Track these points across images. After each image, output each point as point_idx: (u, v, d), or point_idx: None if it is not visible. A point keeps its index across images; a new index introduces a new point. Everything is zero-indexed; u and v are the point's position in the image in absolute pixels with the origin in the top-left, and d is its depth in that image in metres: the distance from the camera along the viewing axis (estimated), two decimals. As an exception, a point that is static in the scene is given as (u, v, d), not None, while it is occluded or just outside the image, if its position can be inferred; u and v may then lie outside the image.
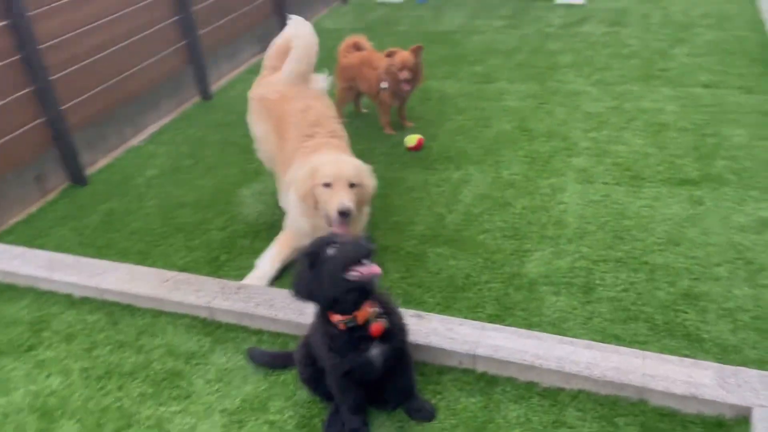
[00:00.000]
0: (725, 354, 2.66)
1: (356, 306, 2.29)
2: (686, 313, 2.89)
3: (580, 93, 5.05)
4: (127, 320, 3.15)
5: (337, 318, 2.30)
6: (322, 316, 2.37)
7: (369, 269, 2.22)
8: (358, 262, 2.22)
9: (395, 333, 2.40)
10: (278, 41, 3.98)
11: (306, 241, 3.05)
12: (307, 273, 2.27)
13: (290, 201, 3.37)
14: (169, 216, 3.97)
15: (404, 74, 4.40)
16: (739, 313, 2.86)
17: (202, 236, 3.74)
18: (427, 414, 2.53)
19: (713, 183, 3.78)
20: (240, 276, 3.36)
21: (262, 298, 3.06)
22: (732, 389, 2.37)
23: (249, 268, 3.43)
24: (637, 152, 4.17)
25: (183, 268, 3.46)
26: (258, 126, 3.92)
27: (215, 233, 3.76)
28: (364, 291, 2.28)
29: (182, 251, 3.62)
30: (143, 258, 3.59)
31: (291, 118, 3.55)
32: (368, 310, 2.31)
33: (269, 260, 3.36)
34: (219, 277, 3.34)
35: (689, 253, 3.25)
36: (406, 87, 4.48)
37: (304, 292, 2.32)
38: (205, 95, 5.63)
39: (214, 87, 5.83)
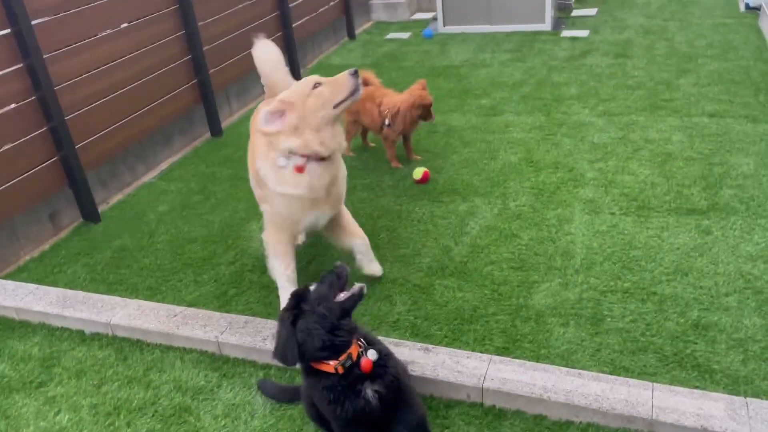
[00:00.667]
0: (736, 385, 2.62)
1: (347, 344, 2.28)
2: (696, 343, 2.86)
3: (585, 124, 5.09)
4: (137, 356, 3.17)
5: (332, 363, 2.26)
6: (312, 374, 2.32)
7: (354, 289, 2.32)
8: (341, 288, 2.32)
9: (386, 365, 2.35)
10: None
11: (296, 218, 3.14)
12: (291, 331, 2.25)
13: (268, 177, 3.10)
14: (179, 251, 4.02)
15: (427, 99, 4.51)
16: (749, 344, 2.83)
17: (210, 271, 3.78)
18: None
19: (721, 212, 3.77)
20: (249, 311, 3.37)
21: (270, 332, 3.07)
22: (743, 421, 2.34)
23: (257, 302, 3.45)
24: (643, 182, 4.18)
25: (192, 303, 3.48)
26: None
27: (224, 268, 3.79)
28: (352, 327, 2.34)
29: (191, 286, 3.66)
30: (153, 293, 3.62)
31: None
32: (357, 345, 2.32)
33: (280, 270, 3.29)
34: (227, 311, 3.37)
35: (698, 283, 3.23)
36: (428, 119, 4.60)
37: (292, 354, 2.26)
38: (216, 132, 5.73)
39: (225, 123, 5.94)
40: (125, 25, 4.88)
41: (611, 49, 6.69)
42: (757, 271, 3.27)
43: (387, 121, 4.61)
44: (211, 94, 5.66)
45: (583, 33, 7.30)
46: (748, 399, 2.45)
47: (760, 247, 3.44)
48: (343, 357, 2.26)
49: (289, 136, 2.96)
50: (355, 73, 3.01)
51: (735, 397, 2.46)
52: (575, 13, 8.15)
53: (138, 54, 4.95)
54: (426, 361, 2.79)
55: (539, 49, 6.98)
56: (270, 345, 3.00)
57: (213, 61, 5.73)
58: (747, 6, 7.41)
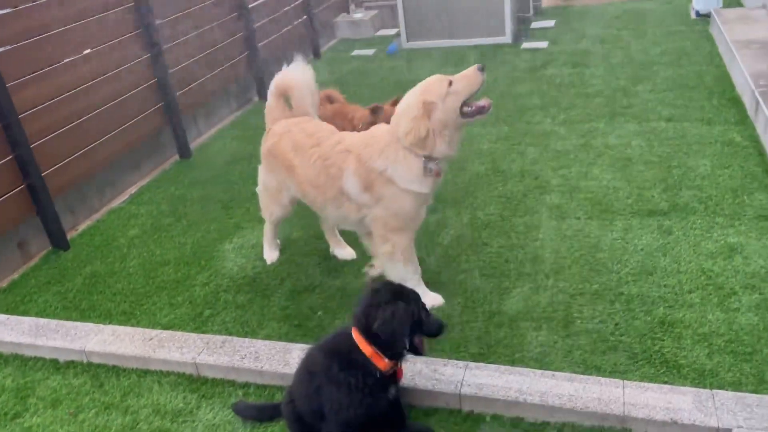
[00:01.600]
0: (702, 378, 2.72)
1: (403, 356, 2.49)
2: (663, 340, 2.96)
3: (549, 133, 5.22)
4: (113, 381, 3.14)
5: (387, 362, 2.41)
6: (356, 366, 2.40)
7: (425, 345, 2.51)
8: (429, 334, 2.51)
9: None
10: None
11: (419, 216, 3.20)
12: (409, 319, 2.36)
13: (397, 175, 3.04)
14: (152, 275, 4.00)
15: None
16: (713, 338, 2.94)
17: (185, 293, 3.77)
18: None
19: (681, 212, 3.91)
20: (225, 331, 3.38)
21: (248, 350, 3.08)
22: (710, 412, 2.43)
23: (233, 322, 3.46)
24: (606, 186, 4.30)
25: (167, 326, 3.47)
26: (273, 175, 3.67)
27: (198, 289, 3.79)
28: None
29: (166, 309, 3.64)
30: (127, 318, 3.60)
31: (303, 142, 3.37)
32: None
33: (410, 274, 3.32)
34: (203, 332, 3.37)
35: (662, 281, 3.35)
36: None
37: (390, 333, 2.35)
38: (185, 154, 5.73)
39: (193, 145, 5.94)
40: (88, 51, 4.87)
41: (570, 59, 6.88)
42: (717, 267, 3.40)
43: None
44: (179, 117, 5.66)
45: (543, 44, 7.50)
46: (714, 391, 2.55)
47: (719, 244, 3.58)
48: (395, 363, 2.46)
49: (435, 139, 3.00)
50: (483, 69, 3.02)
51: (702, 390, 2.56)
52: (534, 25, 8.36)
53: (103, 79, 4.93)
54: (404, 371, 2.82)
55: (501, 61, 7.14)
56: (248, 363, 3.01)
57: (179, 83, 5.73)
58: (697, 13, 7.69)
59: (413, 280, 3.32)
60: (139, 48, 5.30)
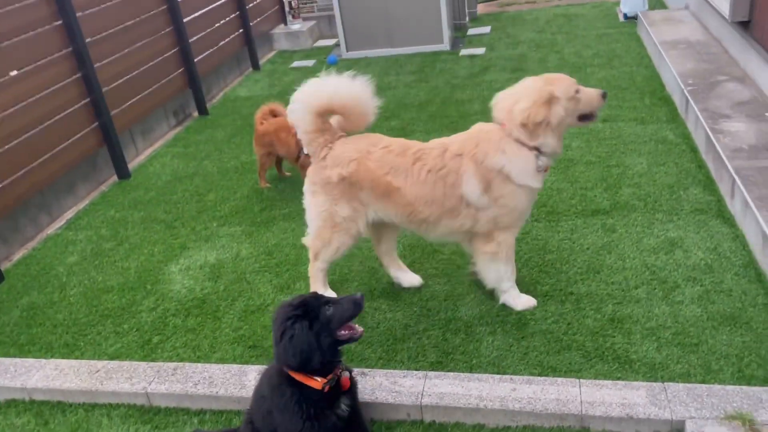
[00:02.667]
0: (654, 372, 2.80)
1: (335, 367, 2.40)
2: (614, 336, 3.04)
3: (491, 137, 5.30)
4: (59, 418, 2.99)
5: (319, 381, 2.34)
6: (294, 386, 2.35)
7: (357, 329, 2.39)
8: (349, 320, 2.37)
9: (353, 381, 2.51)
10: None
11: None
12: (307, 334, 2.28)
13: (514, 170, 2.97)
14: (95, 303, 3.84)
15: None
16: (661, 331, 3.03)
17: (131, 320, 3.63)
18: None
19: (623, 210, 4.04)
20: (176, 357, 3.27)
21: (201, 376, 2.98)
22: (663, 405, 2.50)
23: (184, 347, 3.35)
24: (550, 188, 4.40)
25: (114, 356, 3.33)
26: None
27: (145, 315, 3.66)
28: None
29: (112, 338, 3.50)
30: (70, 351, 3.44)
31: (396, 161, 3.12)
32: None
33: (508, 274, 3.26)
34: (153, 360, 3.25)
35: (609, 279, 3.44)
36: None
37: (299, 357, 2.29)
38: (123, 174, 5.54)
39: (132, 165, 5.75)
40: (15, 72, 4.65)
41: (507, 65, 7.03)
42: (659, 262, 3.51)
43: (305, 150, 4.61)
44: (115, 136, 5.47)
45: (480, 50, 7.64)
46: (666, 384, 2.62)
47: (660, 239, 3.70)
48: (330, 377, 2.36)
49: (546, 132, 2.97)
50: (605, 96, 3.08)
51: (654, 384, 2.63)
52: (471, 32, 8.51)
53: (33, 101, 4.72)
54: (363, 385, 2.80)
55: (441, 69, 7.23)
56: (202, 389, 2.92)
57: (114, 102, 5.55)
58: (625, 16, 8.00)
59: (508, 282, 3.29)
60: (69, 67, 5.11)
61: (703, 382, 2.70)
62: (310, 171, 3.33)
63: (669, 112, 5.28)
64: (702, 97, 4.85)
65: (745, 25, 5.27)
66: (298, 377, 2.35)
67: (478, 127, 3.19)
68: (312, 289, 3.45)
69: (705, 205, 3.95)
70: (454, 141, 3.15)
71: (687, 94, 4.93)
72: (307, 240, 3.42)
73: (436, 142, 3.20)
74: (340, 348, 2.41)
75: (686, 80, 5.18)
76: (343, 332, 2.37)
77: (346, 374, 2.46)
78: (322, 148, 3.23)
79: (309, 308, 2.33)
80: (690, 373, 2.77)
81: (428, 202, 3.08)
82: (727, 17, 5.41)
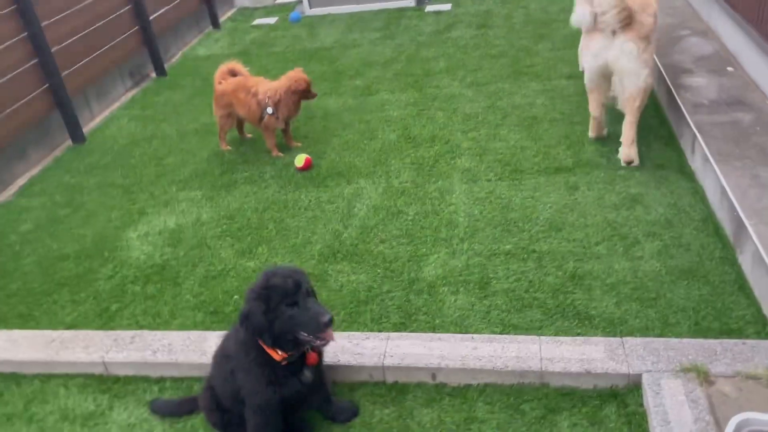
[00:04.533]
0: (613, 327, 2.84)
1: (299, 350, 2.35)
2: (574, 293, 3.06)
3: (456, 96, 5.24)
4: (13, 390, 2.92)
5: (280, 354, 2.30)
6: (259, 349, 2.31)
7: (326, 339, 2.29)
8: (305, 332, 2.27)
9: (320, 353, 2.48)
10: None
11: None
12: (260, 316, 2.23)
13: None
14: (50, 271, 3.73)
15: (301, 86, 4.49)
16: (620, 287, 3.06)
17: (88, 288, 3.54)
18: (351, 413, 2.60)
19: (585, 167, 4.03)
20: (135, 324, 3.20)
21: (160, 344, 2.93)
22: (620, 359, 2.54)
23: (143, 314, 3.28)
24: (514, 147, 4.37)
25: (71, 325, 3.26)
26: None
27: (103, 283, 3.57)
28: None
29: (68, 307, 3.41)
30: (25, 321, 3.35)
31: None
32: None
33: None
34: (111, 329, 3.18)
35: (571, 236, 3.45)
36: (310, 98, 4.60)
37: (250, 332, 2.27)
38: (78, 138, 5.34)
39: (87, 128, 5.55)
40: (-46, 30, 4.41)
41: (473, 21, 6.91)
42: (620, 218, 3.53)
43: (269, 110, 4.50)
44: (67, 99, 5.25)
45: (446, 7, 7.48)
46: (624, 338, 2.66)
47: (621, 196, 3.72)
48: (290, 353, 2.31)
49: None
50: None
51: (612, 339, 2.67)
52: (437, -13, 8.32)
53: (-26, 62, 4.50)
54: (326, 348, 2.77)
55: (406, 26, 7.08)
56: (162, 356, 2.87)
57: (65, 63, 5.31)
58: (591, -29, 7.89)
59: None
60: (14, 26, 4.85)
61: (660, 335, 2.74)
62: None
63: (633, 68, 5.25)
64: (665, 51, 4.83)
65: (708, -21, 5.24)
66: (262, 343, 2.32)
67: None
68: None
69: (666, 161, 3.97)
70: None
71: (651, 50, 4.90)
72: None
73: None
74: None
75: (650, 35, 5.14)
76: (304, 335, 2.27)
77: (313, 351, 2.40)
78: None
79: (274, 295, 2.24)
80: (648, 327, 2.81)
81: None
82: (691, -29, 5.37)
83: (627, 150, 3.94)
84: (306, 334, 2.26)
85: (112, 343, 2.97)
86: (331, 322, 2.24)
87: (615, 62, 3.80)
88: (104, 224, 4.13)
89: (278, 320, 2.24)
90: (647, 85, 3.83)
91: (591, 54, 3.93)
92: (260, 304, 2.24)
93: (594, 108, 4.14)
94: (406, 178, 4.21)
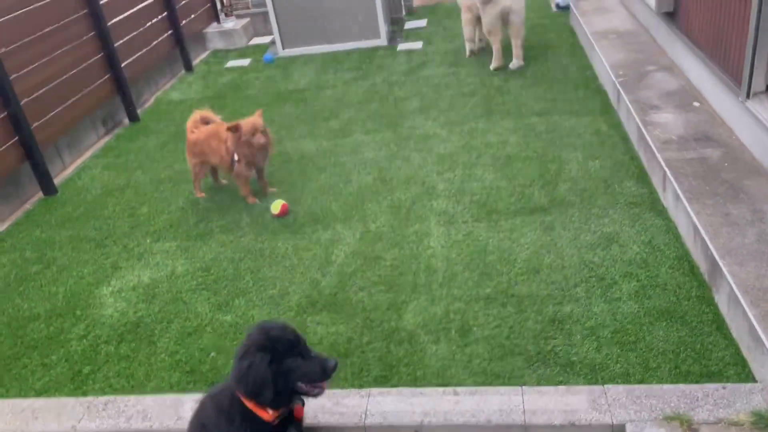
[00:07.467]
0: (594, 373, 2.82)
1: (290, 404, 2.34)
2: (555, 338, 3.05)
3: (431, 136, 5.27)
4: (-19, 466, 2.81)
5: (271, 414, 2.26)
6: (245, 413, 2.26)
7: (322, 388, 2.30)
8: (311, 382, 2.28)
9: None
10: None
11: None
12: (265, 369, 2.19)
13: None
14: (20, 333, 3.62)
15: (260, 138, 4.37)
16: (600, 330, 3.06)
17: (60, 350, 3.44)
18: None
19: (560, 207, 4.06)
20: (108, 388, 3.11)
21: (134, 410, 2.85)
22: (603, 409, 2.51)
23: (117, 376, 3.19)
24: (489, 187, 4.40)
25: (42, 391, 3.15)
26: None
27: (75, 344, 3.47)
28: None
29: (39, 371, 3.31)
30: (-7, 388, 3.24)
31: None
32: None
33: None
34: (84, 393, 3.08)
35: (549, 279, 3.45)
36: (264, 149, 4.46)
37: (250, 387, 2.21)
38: (49, 190, 5.25)
39: (59, 179, 5.47)
40: None
41: (445, 59, 7.01)
42: (597, 258, 3.55)
43: (235, 157, 4.47)
44: (38, 151, 5.18)
45: (417, 45, 7.58)
46: (606, 386, 2.64)
47: (597, 235, 3.74)
48: (282, 410, 2.29)
49: None
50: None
51: (594, 387, 2.65)
52: (408, 25, 8.44)
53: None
54: (305, 407, 2.71)
55: (379, 65, 7.15)
56: (136, 423, 2.78)
57: (35, 114, 5.25)
58: (557, 6, 8.09)
59: None
60: (-19, 80, 4.79)
61: (641, 381, 2.73)
62: None
63: (602, 104, 5.35)
64: (632, 87, 4.93)
65: (670, 16, 5.38)
66: (250, 405, 2.26)
67: None
68: None
69: (639, 198, 4.02)
70: None
71: (618, 86, 5.01)
72: None
73: None
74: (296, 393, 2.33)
75: (617, 71, 5.26)
76: (302, 386, 2.27)
77: (300, 403, 2.40)
78: None
79: (279, 346, 2.22)
80: (629, 372, 2.80)
81: None
82: (653, 8, 5.52)
83: (518, 61, 6.38)
84: (304, 385, 2.26)
85: (85, 411, 2.88)
86: (336, 366, 2.27)
87: (511, 6, 6.08)
88: (76, 280, 4.04)
89: (282, 372, 2.21)
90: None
91: (492, 5, 6.06)
92: (264, 356, 2.19)
93: (495, 41, 6.31)
94: (383, 222, 4.20)
